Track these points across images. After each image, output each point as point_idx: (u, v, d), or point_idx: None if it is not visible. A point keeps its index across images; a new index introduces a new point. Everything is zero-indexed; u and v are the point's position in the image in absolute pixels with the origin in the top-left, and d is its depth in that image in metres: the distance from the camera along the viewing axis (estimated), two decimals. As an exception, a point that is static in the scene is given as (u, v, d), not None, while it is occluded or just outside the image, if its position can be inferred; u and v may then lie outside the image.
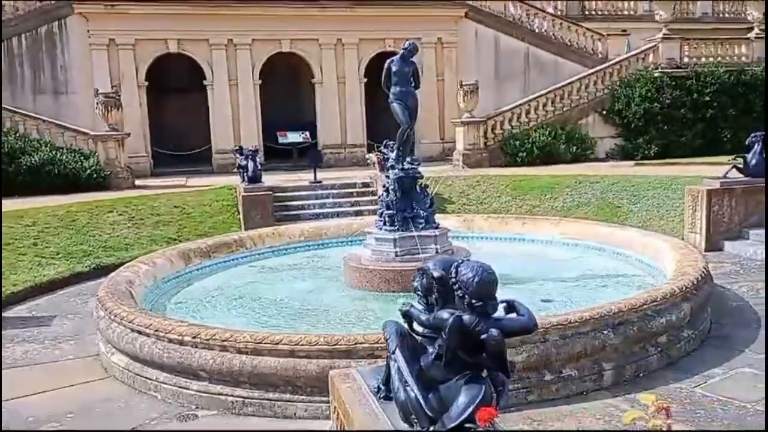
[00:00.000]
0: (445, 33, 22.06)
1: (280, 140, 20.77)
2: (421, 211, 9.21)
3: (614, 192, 14.68)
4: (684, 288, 7.27)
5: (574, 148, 19.63)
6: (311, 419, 5.91)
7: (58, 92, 19.59)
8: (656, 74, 20.44)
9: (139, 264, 9.35)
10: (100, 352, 7.58)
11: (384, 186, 9.45)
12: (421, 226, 9.13)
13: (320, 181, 16.25)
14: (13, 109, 17.63)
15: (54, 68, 19.51)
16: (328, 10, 20.82)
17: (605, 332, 6.48)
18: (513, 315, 3.41)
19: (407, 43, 9.56)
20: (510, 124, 19.82)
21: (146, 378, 6.68)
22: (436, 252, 9.06)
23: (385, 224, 9.16)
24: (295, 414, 6.01)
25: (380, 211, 9.37)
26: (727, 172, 12.12)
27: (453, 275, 3.35)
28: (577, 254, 10.75)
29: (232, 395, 6.20)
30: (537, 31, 23.06)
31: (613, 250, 10.54)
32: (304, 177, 17.36)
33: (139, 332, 6.70)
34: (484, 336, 3.12)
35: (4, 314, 9.78)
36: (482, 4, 22.64)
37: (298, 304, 8.46)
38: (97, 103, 17.18)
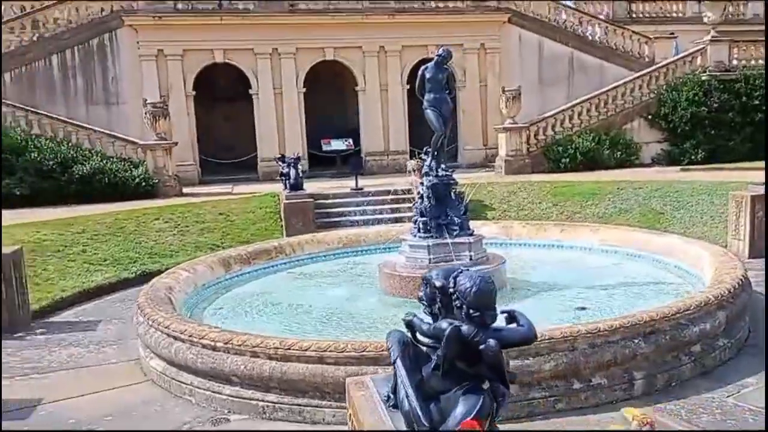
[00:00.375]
0: (488, 39, 22.01)
1: (324, 148, 21.03)
2: (456, 218, 9.24)
3: (657, 198, 14.40)
4: (719, 296, 7.12)
5: (619, 153, 19.33)
6: (339, 425, 6.00)
7: (109, 103, 20.28)
8: (704, 77, 19.98)
9: (180, 271, 9.62)
10: (140, 356, 7.83)
11: (419, 193, 9.50)
12: (455, 233, 9.16)
13: (361, 188, 16.40)
14: (66, 119, 18.30)
15: (105, 79, 20.20)
16: (371, 18, 21.03)
17: (636, 341, 6.39)
18: (513, 325, 3.42)
19: (441, 49, 9.60)
20: (553, 129, 19.64)
21: (181, 382, 6.88)
22: (470, 259, 9.07)
23: (419, 231, 9.22)
24: (323, 419, 6.11)
25: (415, 218, 9.43)
26: (775, 177, 11.76)
27: (451, 285, 3.38)
28: (616, 261, 10.60)
29: (262, 400, 6.34)
30: (582, 35, 22.80)
31: (652, 257, 10.36)
32: (347, 184, 17.53)
33: (175, 338, 6.90)
34: (482, 346, 3.14)
35: (53, 319, 10.24)
36: (526, 9, 22.50)
37: (332, 311, 8.58)
38: (145, 113, 17.72)
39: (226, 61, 20.72)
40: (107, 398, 6.97)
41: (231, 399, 6.47)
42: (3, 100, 18.15)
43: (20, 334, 9.34)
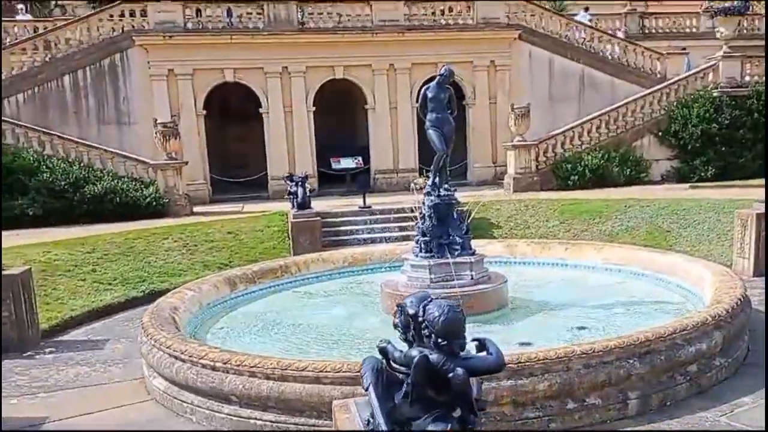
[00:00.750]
0: (498, 56, 22.09)
1: (334, 166, 21.18)
2: (457, 238, 9.30)
3: (664, 216, 14.38)
4: (716, 316, 7.14)
5: (628, 170, 19.29)
6: (335, 445, 6.07)
7: (121, 122, 20.56)
8: (715, 94, 19.93)
9: (185, 290, 9.75)
10: (144, 375, 7.95)
11: (420, 213, 9.58)
12: (456, 253, 9.21)
13: (369, 207, 16.50)
14: (78, 140, 18.57)
15: (117, 99, 20.50)
16: (380, 36, 21.21)
17: (631, 361, 6.44)
18: (483, 354, 3.48)
19: (443, 69, 9.72)
20: (562, 147, 19.66)
21: (182, 401, 6.99)
22: (471, 278, 9.14)
23: (420, 251, 9.30)
24: (320, 439, 6.18)
25: (417, 237, 9.50)
26: (782, 195, 11.72)
27: (421, 314, 3.45)
28: (619, 280, 10.60)
29: (260, 419, 6.42)
30: (593, 51, 22.82)
31: (655, 276, 10.36)
32: (356, 202, 17.62)
33: (176, 357, 7.02)
34: (450, 375, 3.20)
35: (62, 337, 10.40)
36: (537, 26, 22.60)
37: (333, 331, 8.67)
38: (155, 133, 17.97)
39: (237, 80, 20.96)
40: (111, 417, 7.09)
41: (230, 418, 6.56)
42: (16, 122, 18.49)
43: (29, 353, 9.50)
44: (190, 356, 6.83)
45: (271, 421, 6.38)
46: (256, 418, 6.43)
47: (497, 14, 21.77)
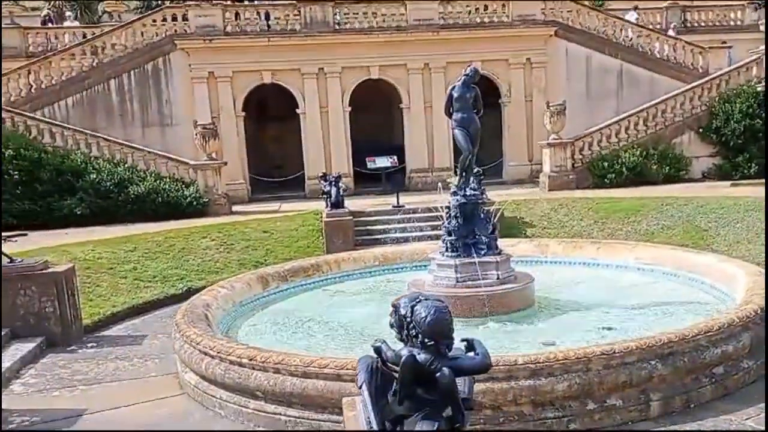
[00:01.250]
0: (534, 53, 21.94)
1: (369, 165, 21.33)
2: (483, 237, 9.34)
3: (702, 214, 14.16)
4: (745, 317, 7.06)
5: (667, 168, 18.98)
6: (356, 440, 6.22)
7: (164, 124, 21.12)
8: (759, 88, 19.45)
9: (218, 288, 10.03)
10: (178, 370, 8.23)
11: (447, 212, 9.66)
12: (482, 252, 9.26)
13: (402, 206, 16.62)
14: (122, 142, 19.16)
15: (160, 102, 21.06)
16: (415, 35, 21.29)
17: (652, 362, 6.42)
18: (471, 354, 3.58)
19: (468, 68, 9.77)
20: (599, 144, 19.44)
21: (212, 396, 7.23)
22: (497, 278, 9.18)
23: (447, 250, 9.37)
24: (342, 434, 6.34)
25: (443, 237, 9.59)
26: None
27: (409, 314, 3.55)
28: (651, 280, 10.50)
29: (285, 415, 6.61)
30: (632, 46, 22.47)
31: (688, 276, 10.24)
32: (391, 201, 17.71)
33: (205, 353, 7.26)
34: (437, 374, 3.31)
35: (104, 333, 10.83)
36: (574, 21, 22.36)
37: (360, 328, 8.82)
38: (196, 134, 18.42)
39: (274, 81, 21.31)
40: (145, 410, 7.39)
41: (256, 413, 6.78)
42: (65, 125, 19.16)
43: (73, 347, 9.93)
44: (218, 352, 7.07)
45: (295, 417, 6.56)
46: (280, 414, 6.63)
47: (533, 11, 21.63)
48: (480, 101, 9.81)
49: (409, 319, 3.58)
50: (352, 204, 17.85)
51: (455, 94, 9.57)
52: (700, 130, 19.62)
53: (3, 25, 23.61)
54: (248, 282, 10.59)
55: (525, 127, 22.05)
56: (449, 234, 9.39)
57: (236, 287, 10.26)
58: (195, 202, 17.94)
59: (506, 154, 22.37)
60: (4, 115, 18.46)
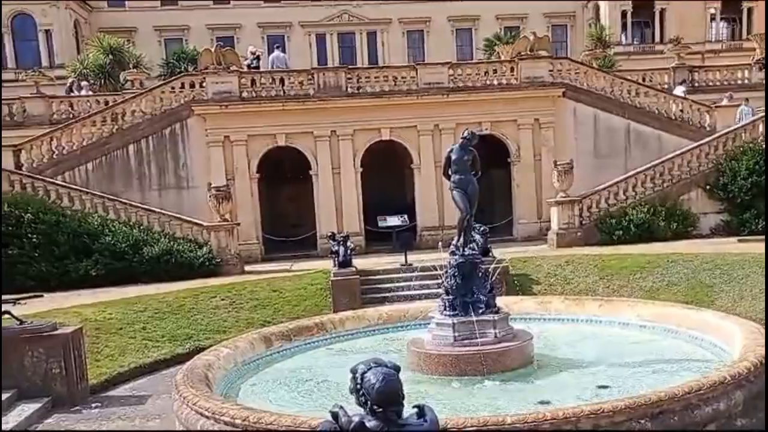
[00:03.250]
0: (542, 113, 22.34)
1: (380, 224, 21.60)
2: (482, 296, 9.44)
3: (707, 271, 14.17)
4: (737, 375, 7.03)
5: (675, 224, 19.04)
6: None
7: (180, 187, 21.71)
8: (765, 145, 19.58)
9: (221, 348, 10.16)
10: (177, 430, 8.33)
11: (445, 272, 9.81)
12: (480, 311, 9.34)
13: (410, 264, 16.77)
14: (138, 204, 19.70)
15: (177, 165, 21.70)
16: (426, 98, 21.85)
17: (642, 421, 6.40)
18: (420, 421, 3.69)
19: (466, 132, 10.07)
20: (606, 202, 19.60)
21: (208, 457, 7.29)
22: (495, 336, 9.23)
23: (445, 309, 9.48)
24: (331, 496, 6.36)
25: (442, 296, 9.71)
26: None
27: (359, 381, 3.69)
28: (651, 337, 10.45)
29: (277, 475, 6.65)
30: (639, 106, 22.82)
31: (688, 333, 10.16)
32: (401, 259, 17.90)
33: (201, 414, 7.35)
34: None
35: (110, 393, 11.00)
36: (581, 83, 22.81)
37: (359, 387, 8.87)
38: (209, 197, 18.88)
39: (288, 144, 21.88)
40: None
41: (250, 473, 6.81)
42: (83, 189, 19.78)
43: (77, 408, 10.12)
44: (212, 413, 7.15)
45: (287, 477, 6.59)
46: (273, 474, 6.67)
47: (541, 73, 22.14)
48: (478, 163, 10.07)
49: (359, 386, 3.72)
50: (362, 263, 18.08)
51: (453, 156, 9.85)
52: (708, 187, 19.73)
53: (28, 95, 24.71)
54: (251, 341, 10.70)
55: (534, 186, 22.30)
56: (447, 293, 9.51)
57: (239, 347, 10.37)
58: (208, 263, 18.25)
59: (516, 212, 22.56)
60: (24, 180, 19.13)
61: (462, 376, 8.82)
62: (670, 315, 10.75)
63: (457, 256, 9.63)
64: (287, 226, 23.48)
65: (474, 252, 9.68)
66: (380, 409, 3.57)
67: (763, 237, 17.68)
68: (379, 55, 46.24)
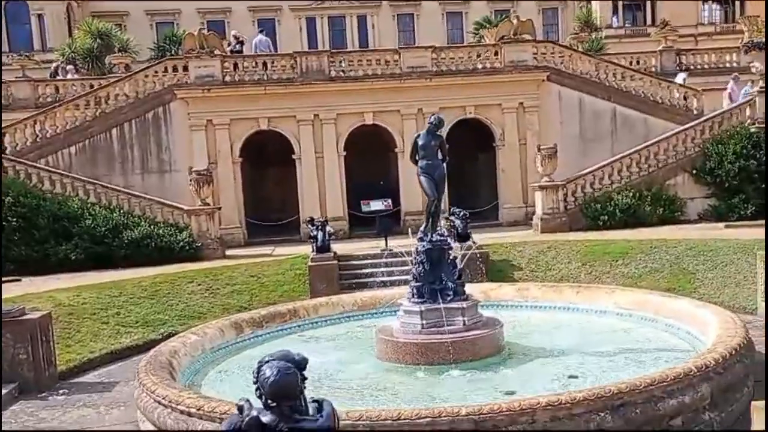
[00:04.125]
0: (527, 97, 22.08)
1: (363, 208, 21.40)
2: (450, 283, 9.31)
3: (690, 257, 14.02)
4: (704, 367, 6.91)
5: (661, 209, 18.87)
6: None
7: (163, 171, 21.46)
8: (753, 129, 19.39)
9: (189, 334, 10.03)
10: (137, 419, 8.20)
11: (413, 258, 9.65)
12: (449, 298, 9.21)
13: (390, 249, 16.58)
14: (119, 188, 19.46)
15: (159, 149, 21.44)
16: (409, 82, 21.57)
17: (602, 414, 6.28)
18: (317, 416, 3.57)
19: (433, 117, 9.91)
20: (591, 186, 19.41)
21: (165, 446, 7.16)
22: (464, 324, 9.10)
23: (413, 296, 9.34)
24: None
25: (410, 282, 9.56)
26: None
27: (255, 374, 3.55)
28: (627, 326, 10.35)
29: (232, 466, 6.52)
30: (625, 89, 22.59)
31: (665, 321, 10.09)
32: (383, 244, 17.72)
33: (159, 402, 7.23)
34: None
35: (78, 379, 10.85)
36: (566, 66, 22.55)
37: (324, 375, 8.74)
38: (190, 180, 18.66)
39: (271, 128, 21.62)
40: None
41: (205, 464, 6.69)
42: (64, 172, 19.52)
43: (44, 394, 9.96)
44: (169, 402, 7.03)
45: (242, 467, 6.46)
46: (228, 465, 6.53)
47: (525, 57, 21.87)
48: (445, 148, 9.93)
49: (255, 380, 3.59)
50: (343, 247, 17.91)
51: (420, 142, 9.70)
52: (694, 171, 19.53)
53: (14, 78, 24.37)
54: (221, 328, 10.56)
55: (519, 170, 22.08)
56: (415, 279, 9.38)
57: (208, 333, 10.24)
58: (188, 247, 18.06)
59: (501, 197, 22.39)
60: (6, 163, 18.88)
61: (429, 364, 8.70)
62: (647, 303, 10.65)
63: (424, 242, 9.49)
64: (271, 210, 23.28)
65: (442, 238, 9.51)
66: (274, 404, 3.45)
67: (752, 222, 17.57)
68: (370, 38, 45.74)
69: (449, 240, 9.74)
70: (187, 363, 9.22)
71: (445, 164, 10.01)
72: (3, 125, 20.54)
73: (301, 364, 3.76)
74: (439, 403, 7.23)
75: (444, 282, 9.28)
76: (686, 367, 6.91)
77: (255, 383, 3.73)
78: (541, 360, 8.99)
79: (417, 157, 9.82)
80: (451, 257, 9.55)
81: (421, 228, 9.79)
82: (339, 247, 17.80)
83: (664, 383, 6.59)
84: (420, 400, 7.54)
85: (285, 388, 3.52)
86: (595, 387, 6.54)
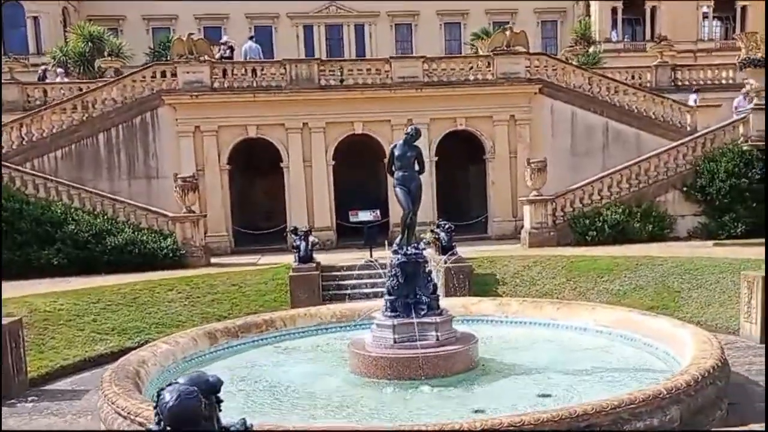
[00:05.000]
0: (518, 110, 21.99)
1: (351, 219, 21.27)
2: (424, 297, 9.16)
3: (676, 275, 13.85)
4: (674, 389, 6.76)
5: (651, 226, 18.73)
6: None
7: (150, 177, 21.33)
8: (745, 147, 19.27)
9: (160, 343, 9.87)
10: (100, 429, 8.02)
11: (388, 271, 9.50)
12: (422, 313, 9.06)
13: (375, 260, 16.38)
14: (104, 193, 19.29)
15: (147, 155, 21.32)
16: (399, 92, 21.46)
17: (567, 436, 6.11)
18: None
19: (410, 128, 9.80)
20: (581, 202, 19.26)
21: (124, 458, 6.99)
22: (437, 339, 8.95)
23: (386, 310, 9.18)
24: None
25: (384, 296, 9.41)
26: (786, 257, 11.16)
27: (155, 399, 3.39)
28: (606, 343, 10.20)
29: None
30: (618, 104, 22.50)
31: (644, 340, 9.93)
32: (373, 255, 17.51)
33: (118, 414, 7.07)
34: None
35: (49, 387, 10.65)
36: (559, 80, 22.48)
37: (292, 389, 8.59)
38: (175, 187, 18.50)
39: (259, 135, 21.51)
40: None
41: (160, 479, 6.51)
42: (49, 177, 19.37)
43: (12, 401, 9.75)
44: (128, 413, 6.87)
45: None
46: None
47: (517, 69, 21.78)
48: (422, 160, 9.79)
49: (154, 405, 3.40)
50: (329, 258, 17.76)
51: (396, 153, 9.56)
52: (685, 188, 19.41)
53: (3, 81, 24.22)
54: (194, 337, 10.40)
55: (510, 183, 21.95)
56: (389, 293, 9.22)
57: (181, 343, 10.08)
58: (172, 254, 17.88)
59: (491, 210, 22.26)
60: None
61: (400, 379, 8.54)
62: (627, 321, 10.50)
63: (399, 255, 9.33)
64: (259, 218, 23.14)
65: (417, 251, 9.35)
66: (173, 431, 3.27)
67: (742, 241, 17.46)
68: (367, 48, 45.66)
69: (425, 253, 9.54)
70: (156, 373, 9.05)
71: (421, 176, 9.81)
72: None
73: (214, 387, 3.56)
74: (400, 419, 7.08)
75: (418, 296, 9.12)
76: (656, 389, 6.76)
77: (155, 408, 3.54)
78: (514, 377, 8.83)
79: (393, 168, 9.65)
80: (426, 271, 9.39)
81: (396, 240, 9.63)
82: (325, 258, 17.67)
83: (632, 405, 6.44)
84: (382, 416, 7.37)
85: (184, 413, 3.32)
86: (561, 408, 6.37)
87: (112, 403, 7.23)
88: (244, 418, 3.76)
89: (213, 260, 18.84)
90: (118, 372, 8.31)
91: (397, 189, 9.60)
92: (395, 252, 9.43)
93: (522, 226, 20.67)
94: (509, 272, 15.63)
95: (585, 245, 18.11)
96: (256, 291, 15.10)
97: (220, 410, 3.59)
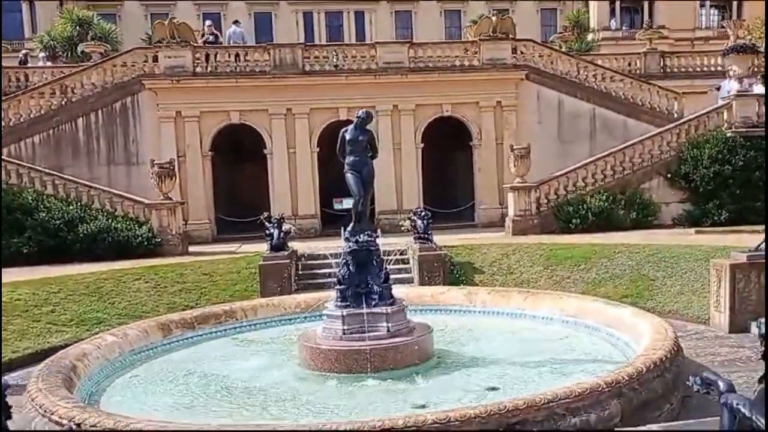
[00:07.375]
0: (505, 96, 21.57)
1: (336, 206, 20.96)
2: (376, 287, 8.84)
3: (652, 264, 13.50)
4: (614, 382, 6.45)
5: (635, 213, 18.33)
6: None
7: (130, 163, 21.02)
8: (729, 134, 18.83)
9: (106, 335, 9.61)
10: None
11: (340, 260, 9.19)
12: (373, 303, 8.75)
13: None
14: (77, 180, 18.92)
15: (127, 140, 20.99)
16: (384, 78, 21.07)
17: (496, 433, 5.81)
18: None
19: (361, 111, 9.49)
20: (565, 189, 18.86)
21: (44, 459, 6.72)
22: (387, 330, 8.64)
23: (337, 300, 8.88)
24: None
25: (335, 286, 9.10)
26: (759, 245, 10.77)
27: None
28: (567, 333, 9.92)
29: (103, 478, 6.09)
30: (605, 91, 22.06)
31: (606, 330, 9.66)
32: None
33: (37, 411, 6.80)
34: None
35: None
36: (546, 66, 22.04)
37: (238, 384, 8.32)
38: (152, 174, 18.19)
39: (242, 121, 21.16)
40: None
41: (77, 477, 6.25)
42: (18, 162, 19.07)
43: (-46, 396, 9.48)
44: (45, 411, 6.62)
45: (113, 481, 6.03)
46: (100, 477, 6.11)
47: (503, 55, 21.33)
48: (375, 144, 9.46)
49: None
50: (310, 246, 17.48)
51: (348, 137, 9.24)
52: (669, 175, 18.98)
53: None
54: (145, 329, 10.14)
55: (496, 170, 21.56)
56: (339, 282, 8.91)
57: (129, 335, 9.81)
58: (147, 242, 17.56)
59: (477, 198, 21.90)
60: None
61: (348, 372, 8.25)
62: (591, 310, 10.22)
63: (350, 243, 9.01)
64: (242, 206, 22.77)
65: (370, 239, 9.02)
66: None
67: (725, 228, 17.06)
68: (367, 35, 45.09)
69: (377, 241, 9.22)
70: (96, 367, 8.77)
71: (373, 161, 9.48)
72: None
73: None
74: (336, 415, 6.80)
75: (369, 285, 8.80)
76: (594, 382, 6.46)
77: None
78: (467, 370, 8.52)
79: (345, 153, 9.30)
80: (379, 259, 9.06)
81: (348, 228, 9.31)
82: (305, 246, 17.39)
83: (568, 399, 6.13)
84: (320, 411, 7.08)
85: None
86: (490, 403, 6.08)
87: (32, 400, 6.97)
88: None
89: (192, 249, 18.54)
90: (52, 367, 8.03)
91: (348, 174, 9.29)
92: (347, 240, 9.13)
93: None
94: (487, 261, 15.30)
95: (569, 233, 17.74)
96: (227, 280, 14.80)
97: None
